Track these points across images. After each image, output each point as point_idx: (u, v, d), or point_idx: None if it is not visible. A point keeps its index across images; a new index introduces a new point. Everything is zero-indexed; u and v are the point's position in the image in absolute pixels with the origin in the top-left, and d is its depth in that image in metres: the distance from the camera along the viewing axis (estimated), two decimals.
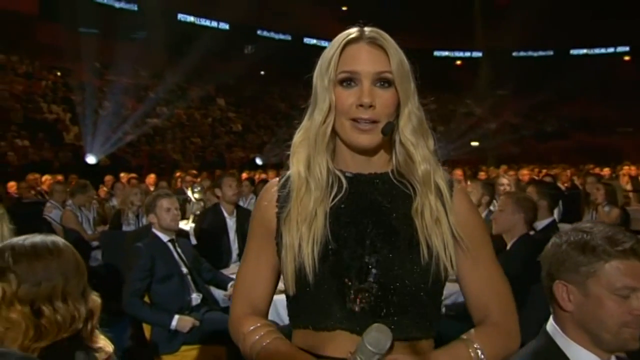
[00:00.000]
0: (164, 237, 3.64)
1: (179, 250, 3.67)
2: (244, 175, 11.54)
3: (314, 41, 32.75)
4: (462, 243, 1.25)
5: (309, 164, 1.28)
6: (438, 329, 1.28)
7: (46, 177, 9.81)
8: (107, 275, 5.68)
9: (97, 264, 6.39)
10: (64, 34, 19.36)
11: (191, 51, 21.67)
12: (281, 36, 32.19)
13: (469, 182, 6.46)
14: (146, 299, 3.54)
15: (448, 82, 29.97)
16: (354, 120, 1.23)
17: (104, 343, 1.70)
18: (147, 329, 3.58)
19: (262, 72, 30.40)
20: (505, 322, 1.27)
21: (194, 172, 12.16)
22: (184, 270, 3.62)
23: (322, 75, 1.26)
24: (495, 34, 27.68)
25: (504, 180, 5.65)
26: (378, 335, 1.06)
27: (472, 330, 1.26)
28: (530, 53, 34.52)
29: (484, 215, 4.38)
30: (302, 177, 1.28)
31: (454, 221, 1.25)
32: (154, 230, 3.66)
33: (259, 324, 1.29)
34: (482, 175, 11.32)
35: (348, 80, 1.24)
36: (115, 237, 5.80)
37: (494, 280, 1.29)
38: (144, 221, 5.41)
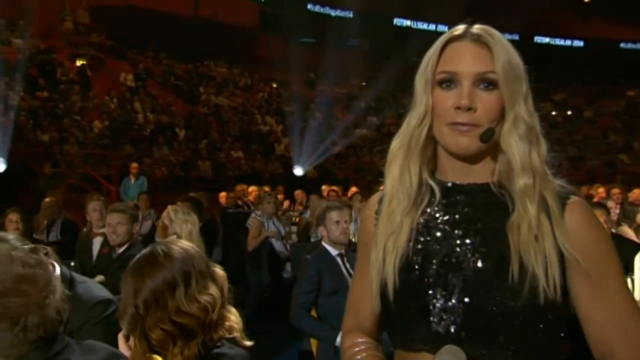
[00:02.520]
0: (333, 251, 3.86)
1: (347, 265, 3.86)
2: None
3: (547, 40, 31.15)
4: (575, 265, 1.17)
5: (402, 172, 1.30)
6: None
7: (252, 188, 10.89)
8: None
9: (288, 276, 6.98)
10: (282, 46, 21.27)
11: (406, 57, 22.11)
12: (507, 35, 30.69)
13: None
14: (313, 312, 3.81)
15: None
16: (452, 124, 1.22)
17: (233, 318, 1.87)
18: (314, 344, 3.85)
19: None
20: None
21: None
22: None
23: (421, 76, 1.28)
24: None
25: None
26: (448, 358, 1.10)
27: None
28: None
29: None
30: (394, 188, 1.31)
31: (563, 239, 1.17)
32: (323, 243, 3.91)
33: (358, 340, 1.37)
34: None
35: (447, 82, 1.24)
36: (302, 250, 6.27)
37: (621, 313, 1.18)
38: None
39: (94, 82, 18.42)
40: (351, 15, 27.13)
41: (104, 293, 2.27)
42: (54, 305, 1.31)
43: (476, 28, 1.25)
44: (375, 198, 1.42)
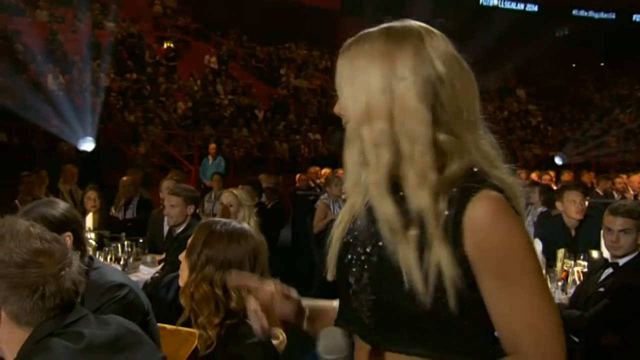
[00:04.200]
0: None
1: None
2: (534, 175, 10.98)
3: None
4: (476, 265, 1.15)
5: None
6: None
7: (325, 171, 11.04)
8: None
9: None
10: (362, 27, 21.14)
11: (492, 38, 21.52)
12: (603, 15, 29.65)
13: None
14: None
15: None
16: None
17: (278, 330, 1.96)
18: None
19: (576, 58, 28.52)
20: (538, 356, 1.15)
21: None
22: None
23: None
24: None
25: None
26: (325, 342, 1.14)
27: None
28: None
29: None
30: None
31: (461, 240, 1.14)
32: None
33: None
34: None
35: None
36: None
37: (528, 310, 1.15)
38: None
39: (179, 64, 19.07)
40: None
41: (117, 278, 2.34)
42: (69, 276, 1.46)
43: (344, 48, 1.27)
44: None
